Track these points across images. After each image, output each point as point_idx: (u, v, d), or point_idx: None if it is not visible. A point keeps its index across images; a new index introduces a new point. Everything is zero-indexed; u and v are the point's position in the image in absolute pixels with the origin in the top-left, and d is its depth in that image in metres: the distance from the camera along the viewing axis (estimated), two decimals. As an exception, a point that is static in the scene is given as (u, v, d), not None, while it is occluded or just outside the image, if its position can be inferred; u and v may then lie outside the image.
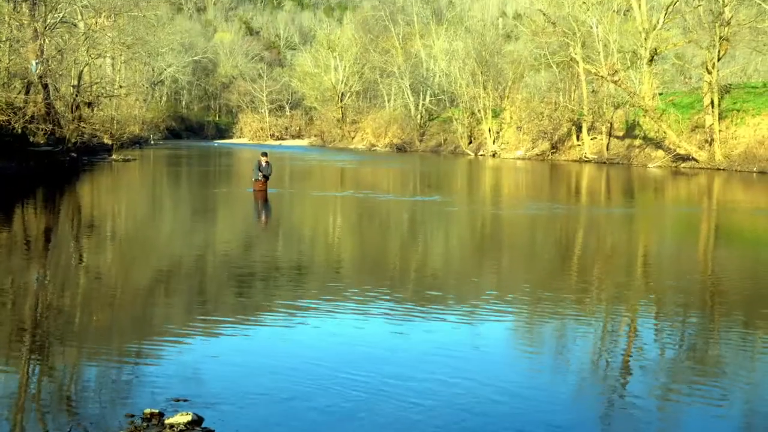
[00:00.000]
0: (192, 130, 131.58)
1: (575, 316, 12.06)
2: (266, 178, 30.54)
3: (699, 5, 60.14)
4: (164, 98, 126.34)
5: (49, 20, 47.80)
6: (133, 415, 7.50)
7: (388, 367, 9.18)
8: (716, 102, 55.76)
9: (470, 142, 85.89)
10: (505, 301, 13.10)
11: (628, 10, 70.66)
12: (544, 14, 73.77)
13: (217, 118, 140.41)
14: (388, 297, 13.15)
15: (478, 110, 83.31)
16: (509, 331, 11.34)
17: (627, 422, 7.80)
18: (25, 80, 43.77)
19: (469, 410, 7.88)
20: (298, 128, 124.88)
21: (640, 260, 18.50)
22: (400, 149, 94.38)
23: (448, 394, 8.29)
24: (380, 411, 7.81)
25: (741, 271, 17.14)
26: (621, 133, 66.99)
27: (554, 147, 72.68)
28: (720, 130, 55.75)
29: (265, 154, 31.10)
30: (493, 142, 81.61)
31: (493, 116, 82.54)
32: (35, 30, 45.03)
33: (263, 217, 26.19)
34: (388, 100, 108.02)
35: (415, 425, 7.51)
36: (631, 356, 10.23)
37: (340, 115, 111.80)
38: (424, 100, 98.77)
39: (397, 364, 9.31)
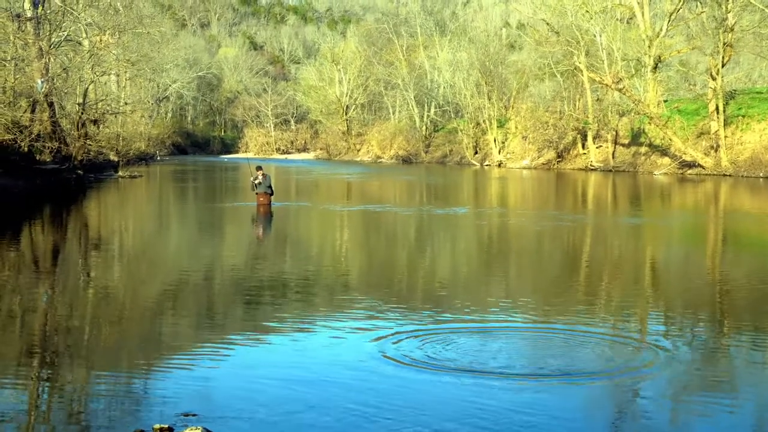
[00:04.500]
0: (198, 145, 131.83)
1: (587, 322, 12.03)
2: (270, 190, 30.51)
3: (702, 12, 60.24)
4: (169, 114, 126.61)
5: (53, 39, 48.01)
6: (142, 431, 7.48)
7: (401, 381, 9.15)
8: (721, 108, 55.74)
9: (476, 153, 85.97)
10: (535, 310, 13.09)
11: (631, 18, 70.79)
12: (547, 24, 73.93)
13: (222, 133, 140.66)
14: (405, 310, 13.12)
15: (483, 120, 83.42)
16: (522, 338, 11.29)
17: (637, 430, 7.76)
18: (31, 99, 43.92)
19: (479, 420, 7.85)
20: (303, 142, 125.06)
21: (674, 269, 18.49)
22: (406, 161, 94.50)
23: (458, 406, 8.25)
24: (392, 425, 7.78)
25: (759, 278, 17.09)
26: (626, 141, 66.98)
27: (560, 156, 72.72)
28: (725, 136, 55.72)
29: (260, 168, 30.94)
30: (499, 152, 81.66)
31: (498, 126, 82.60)
32: (40, 49, 45.21)
33: (262, 232, 26.10)
34: (393, 112, 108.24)
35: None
36: (641, 363, 10.19)
37: (345, 128, 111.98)
38: (428, 111, 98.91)
39: (410, 378, 9.27)
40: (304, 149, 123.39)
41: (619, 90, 62.70)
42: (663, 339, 11.21)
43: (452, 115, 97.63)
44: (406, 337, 11.04)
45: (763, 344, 11.06)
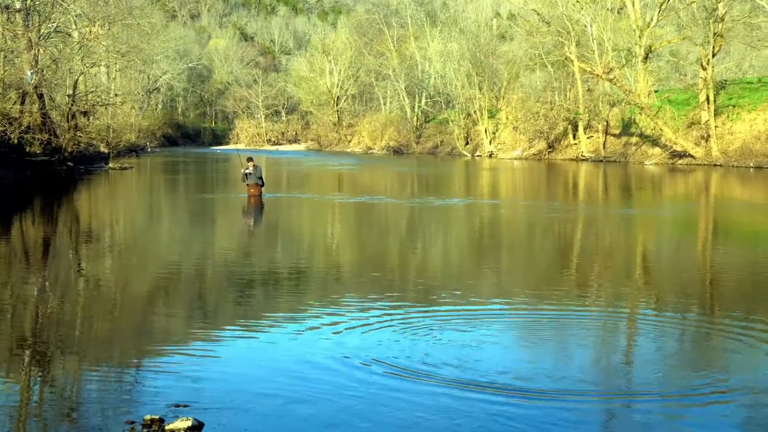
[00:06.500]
0: (188, 136, 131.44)
1: (584, 313, 12.07)
2: (261, 181, 30.47)
3: (692, 2, 60.31)
4: (160, 106, 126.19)
5: (43, 30, 47.77)
6: (133, 422, 7.48)
7: (389, 373, 9.14)
8: (712, 98, 55.85)
9: (467, 143, 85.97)
10: (535, 304, 13.13)
11: (621, 8, 70.81)
12: (538, 14, 73.90)
13: (213, 125, 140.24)
14: (401, 305, 13.12)
15: (474, 111, 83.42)
16: (517, 328, 11.33)
17: (630, 423, 7.78)
18: (21, 90, 43.71)
19: (474, 413, 7.86)
20: (294, 133, 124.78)
21: (678, 260, 18.55)
22: (397, 152, 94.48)
23: (451, 401, 8.26)
24: (381, 417, 7.80)
25: (752, 266, 17.14)
26: (617, 131, 67.06)
27: (551, 146, 72.77)
28: (716, 126, 55.85)
29: (250, 159, 30.93)
30: (490, 142, 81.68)
31: (489, 117, 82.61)
32: (29, 40, 44.98)
33: (253, 223, 26.08)
34: (384, 103, 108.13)
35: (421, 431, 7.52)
36: (635, 355, 10.23)
37: (336, 119, 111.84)
38: (419, 102, 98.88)
39: (398, 371, 9.27)
40: (295, 140, 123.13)
41: (610, 80, 62.77)
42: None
43: (443, 106, 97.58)
44: (401, 333, 11.05)
45: (742, 326, 11.11)
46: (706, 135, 56.41)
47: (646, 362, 9.62)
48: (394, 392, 8.39)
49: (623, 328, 11.58)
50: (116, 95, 65.86)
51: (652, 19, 65.65)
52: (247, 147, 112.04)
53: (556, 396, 8.24)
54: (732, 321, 11.53)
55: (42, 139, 43.79)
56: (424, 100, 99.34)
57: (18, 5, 45.83)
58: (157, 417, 7.52)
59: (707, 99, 56.18)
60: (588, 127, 68.87)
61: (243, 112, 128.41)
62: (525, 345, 10.54)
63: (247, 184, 30.49)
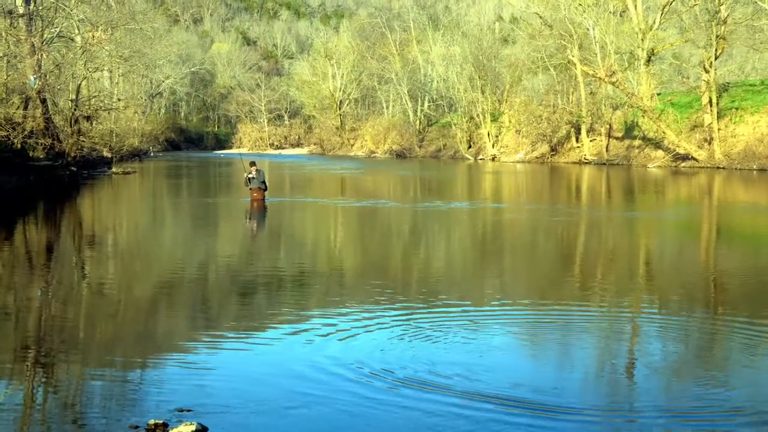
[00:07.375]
0: (191, 141, 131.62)
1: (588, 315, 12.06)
2: (264, 186, 30.46)
3: (695, 5, 60.27)
4: (163, 110, 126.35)
5: (46, 35, 47.84)
6: (137, 427, 7.48)
7: (395, 382, 9.10)
8: (715, 101, 55.84)
9: (469, 147, 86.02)
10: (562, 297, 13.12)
11: (624, 11, 70.86)
12: (540, 17, 73.98)
13: (216, 129, 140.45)
14: (402, 308, 13.11)
15: (477, 114, 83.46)
16: (525, 334, 11.31)
17: (631, 426, 7.76)
18: (24, 95, 43.75)
19: (472, 420, 7.85)
20: (297, 137, 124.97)
21: (689, 264, 18.53)
22: (400, 155, 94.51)
23: (453, 405, 8.23)
24: (384, 421, 7.78)
25: (757, 270, 17.11)
26: (620, 134, 67.06)
27: (553, 149, 72.78)
28: (719, 129, 55.84)
29: (253, 164, 30.92)
30: (493, 146, 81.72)
31: (491, 120, 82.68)
32: (32, 45, 45.04)
33: (256, 227, 26.06)
34: (387, 107, 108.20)
35: None
36: (637, 359, 10.21)
37: (339, 123, 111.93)
38: (422, 105, 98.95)
39: (403, 375, 9.25)
40: (298, 144, 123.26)
41: (613, 83, 62.75)
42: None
43: (446, 110, 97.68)
44: (406, 339, 11.02)
45: (745, 330, 11.08)
46: (709, 138, 56.39)
47: (656, 373, 9.53)
48: (399, 402, 8.34)
49: (630, 335, 11.53)
50: (119, 100, 65.94)
51: (654, 22, 65.67)
52: (250, 151, 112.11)
53: (563, 410, 8.10)
54: (739, 327, 11.49)
55: (45, 144, 43.84)
56: (426, 104, 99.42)
57: (21, 10, 45.90)
58: (161, 422, 7.51)
59: (710, 102, 56.19)
60: (591, 130, 68.89)
61: (246, 117, 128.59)
62: (532, 353, 10.48)
63: (250, 189, 30.49)
